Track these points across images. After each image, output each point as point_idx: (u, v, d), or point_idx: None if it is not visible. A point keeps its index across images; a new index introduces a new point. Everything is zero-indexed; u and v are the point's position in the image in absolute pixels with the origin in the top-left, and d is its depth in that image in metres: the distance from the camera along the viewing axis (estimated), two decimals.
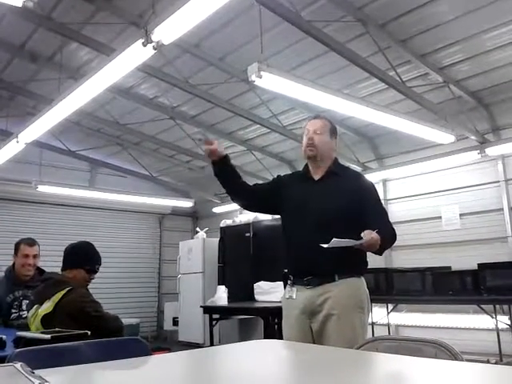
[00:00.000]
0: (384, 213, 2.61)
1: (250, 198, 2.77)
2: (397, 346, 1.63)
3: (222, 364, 1.52)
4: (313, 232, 2.43)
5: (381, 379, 1.25)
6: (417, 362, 1.35)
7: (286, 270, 2.66)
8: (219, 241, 8.36)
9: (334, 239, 2.18)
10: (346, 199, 2.49)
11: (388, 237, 2.41)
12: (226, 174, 2.68)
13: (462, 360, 1.43)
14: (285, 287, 2.70)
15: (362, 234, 2.21)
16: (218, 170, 2.65)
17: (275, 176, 2.88)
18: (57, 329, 2.19)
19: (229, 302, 5.80)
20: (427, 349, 1.53)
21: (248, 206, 2.87)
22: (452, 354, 1.46)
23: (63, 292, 2.52)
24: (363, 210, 2.45)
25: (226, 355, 1.66)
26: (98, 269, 2.83)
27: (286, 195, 2.67)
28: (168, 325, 9.35)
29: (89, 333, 2.07)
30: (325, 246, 2.19)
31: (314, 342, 2.41)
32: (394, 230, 2.51)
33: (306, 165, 2.73)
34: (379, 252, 2.35)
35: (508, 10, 4.58)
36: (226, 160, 2.64)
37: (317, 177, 2.64)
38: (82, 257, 2.80)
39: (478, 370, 1.29)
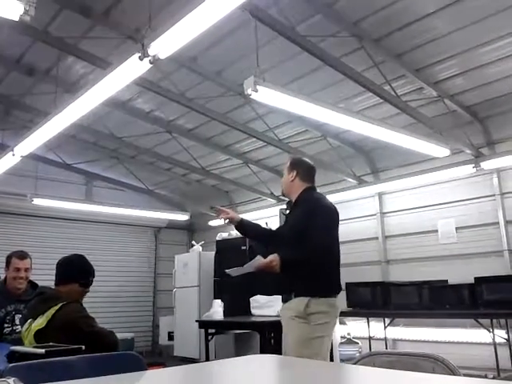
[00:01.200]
0: (287, 234, 3.01)
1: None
2: (394, 361, 1.61)
3: (217, 379, 1.50)
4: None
5: None
6: (414, 376, 1.33)
7: None
8: (215, 254, 8.29)
9: (227, 270, 2.85)
10: (287, 226, 3.10)
11: (288, 257, 2.77)
12: (248, 232, 3.30)
13: (459, 375, 1.42)
14: None
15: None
16: (241, 231, 3.24)
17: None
18: (51, 343, 2.16)
19: (225, 316, 5.75)
20: (425, 363, 1.52)
21: None
22: (450, 369, 1.45)
23: (56, 307, 2.49)
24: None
25: (222, 370, 1.64)
26: (91, 281, 2.79)
27: None
28: (163, 339, 9.27)
29: (83, 347, 2.04)
30: (231, 274, 2.84)
31: None
32: (298, 251, 2.84)
33: None
34: (282, 270, 2.71)
35: (502, 24, 4.64)
36: (244, 222, 3.18)
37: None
38: (76, 271, 2.76)
39: None
